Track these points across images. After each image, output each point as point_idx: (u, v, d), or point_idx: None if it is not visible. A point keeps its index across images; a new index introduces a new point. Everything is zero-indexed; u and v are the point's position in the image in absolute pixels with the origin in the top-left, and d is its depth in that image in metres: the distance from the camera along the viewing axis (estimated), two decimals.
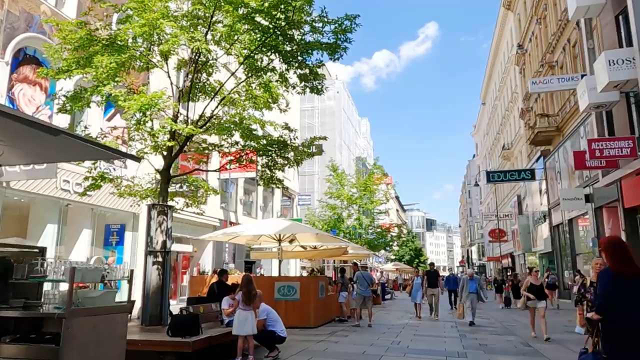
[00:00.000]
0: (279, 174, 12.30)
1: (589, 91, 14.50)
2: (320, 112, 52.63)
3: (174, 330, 7.22)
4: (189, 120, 10.84)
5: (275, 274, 25.45)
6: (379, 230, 36.19)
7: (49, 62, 10.96)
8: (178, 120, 10.44)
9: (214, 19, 10.12)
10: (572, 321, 14.22)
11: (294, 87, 11.25)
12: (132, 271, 5.51)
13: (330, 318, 14.29)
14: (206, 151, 12.91)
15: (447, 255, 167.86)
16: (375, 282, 21.53)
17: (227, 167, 11.91)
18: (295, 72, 10.79)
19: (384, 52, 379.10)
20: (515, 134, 38.61)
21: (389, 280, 39.84)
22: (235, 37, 10.02)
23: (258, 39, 9.86)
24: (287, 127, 11.97)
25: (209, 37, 10.39)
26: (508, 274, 34.98)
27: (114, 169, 15.31)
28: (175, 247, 19.53)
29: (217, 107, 11.33)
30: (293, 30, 10.09)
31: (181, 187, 14.66)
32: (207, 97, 11.42)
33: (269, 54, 10.30)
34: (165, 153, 10.52)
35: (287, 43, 10.16)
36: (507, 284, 25.03)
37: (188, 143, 11.04)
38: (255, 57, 10.35)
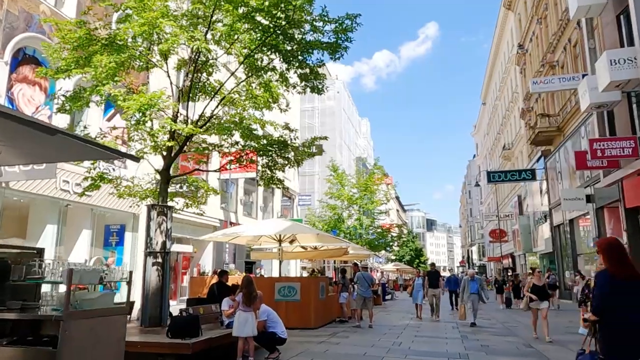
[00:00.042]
0: (279, 174, 12.24)
1: (590, 91, 14.45)
2: (321, 112, 52.62)
3: (174, 331, 7.16)
4: (189, 120, 10.79)
5: (275, 274, 25.41)
6: (379, 230, 36.15)
7: (48, 61, 10.90)
8: (178, 120, 10.39)
9: (213, 18, 10.07)
10: (573, 322, 14.18)
11: (294, 87, 11.19)
12: (131, 272, 5.45)
13: (331, 319, 14.23)
14: (206, 151, 12.85)
15: (448, 256, 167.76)
16: (375, 283, 21.46)
17: (227, 167, 11.86)
18: (295, 72, 10.74)
19: (384, 52, 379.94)
20: (515, 134, 38.56)
21: (389, 281, 39.75)
22: (236, 37, 9.97)
23: (258, 38, 9.80)
24: (287, 127, 11.91)
25: (209, 36, 10.34)
26: (509, 274, 34.94)
27: (114, 169, 15.27)
28: (175, 247, 19.48)
29: (217, 106, 11.27)
30: (293, 30, 10.04)
31: (181, 187, 14.62)
32: (207, 97, 11.37)
33: (269, 53, 10.25)
34: (164, 153, 10.47)
35: (288, 42, 10.10)
36: (507, 285, 24.99)
37: (188, 143, 10.98)
38: (256, 56, 10.30)
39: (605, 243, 4.31)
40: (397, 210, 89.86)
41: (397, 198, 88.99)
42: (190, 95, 10.78)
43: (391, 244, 39.37)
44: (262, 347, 7.98)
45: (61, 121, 13.69)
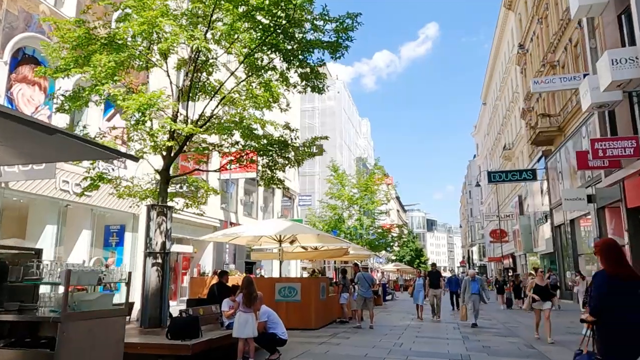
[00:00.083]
0: (279, 174, 12.19)
1: (591, 91, 14.40)
2: (321, 113, 52.58)
3: (173, 333, 7.11)
4: (189, 120, 10.74)
5: (275, 275, 25.36)
6: (379, 230, 36.12)
7: (47, 61, 10.86)
8: (177, 120, 10.34)
9: (213, 17, 10.02)
10: (575, 322, 14.07)
11: (294, 87, 11.14)
12: (129, 273, 5.40)
13: (332, 319, 14.18)
14: (206, 151, 12.80)
15: (448, 256, 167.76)
16: (376, 283, 21.41)
17: (228, 167, 11.81)
18: (296, 71, 10.68)
19: (385, 52, 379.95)
20: (516, 134, 38.52)
21: (389, 281, 39.69)
22: (236, 36, 9.92)
23: (258, 37, 9.75)
24: (287, 126, 11.86)
25: (209, 35, 10.29)
26: (509, 274, 34.86)
27: (113, 169, 15.22)
28: (176, 247, 19.45)
29: (217, 106, 11.22)
30: (294, 29, 9.98)
31: (181, 187, 14.57)
32: (207, 97, 11.32)
33: (269, 52, 10.20)
34: (164, 153, 10.42)
35: (288, 41, 10.05)
36: (508, 285, 24.93)
37: (188, 143, 10.93)
38: (256, 55, 10.25)
39: (603, 244, 4.35)
40: (398, 211, 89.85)
41: (398, 198, 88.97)
42: (190, 94, 10.73)
43: (391, 244, 39.35)
44: (262, 348, 7.93)
45: (61, 121, 13.65)
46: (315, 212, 36.48)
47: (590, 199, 18.00)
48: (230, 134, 11.39)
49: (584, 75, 17.71)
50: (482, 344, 10.42)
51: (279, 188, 13.07)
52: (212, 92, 11.23)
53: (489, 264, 66.10)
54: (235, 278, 13.56)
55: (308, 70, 10.66)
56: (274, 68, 10.54)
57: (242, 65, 10.60)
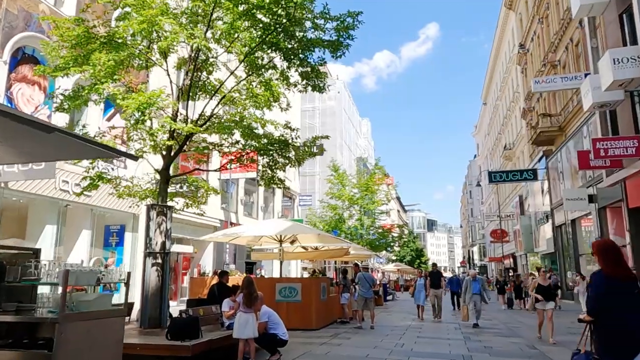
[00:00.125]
0: (280, 174, 12.14)
1: (592, 90, 14.34)
2: (321, 113, 52.53)
3: (173, 333, 7.06)
4: (189, 120, 10.69)
5: (276, 275, 25.30)
6: (380, 230, 36.07)
7: (47, 59, 10.81)
8: (177, 119, 10.29)
9: (213, 16, 9.97)
10: (576, 322, 14.04)
11: (295, 86, 11.08)
12: (129, 273, 5.35)
13: (332, 320, 14.12)
14: (206, 151, 12.75)
15: (448, 256, 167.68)
16: (377, 283, 21.36)
17: (228, 167, 11.75)
18: (296, 70, 10.63)
19: (385, 52, 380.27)
20: (516, 134, 38.46)
21: (390, 281, 39.63)
22: (236, 35, 9.87)
23: (258, 36, 9.70)
24: (288, 126, 11.80)
25: (209, 34, 10.24)
26: (510, 274, 34.82)
27: (113, 169, 15.17)
28: (176, 248, 19.41)
29: (217, 105, 11.17)
30: (294, 27, 9.92)
31: (181, 187, 14.52)
32: (207, 96, 11.27)
33: (269, 51, 10.15)
34: (164, 152, 10.37)
35: (288, 40, 10.00)
36: (509, 285, 24.87)
37: (188, 142, 10.88)
38: (256, 54, 10.19)
39: (601, 244, 4.38)
40: (398, 211, 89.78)
41: (398, 198, 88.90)
42: (190, 94, 10.68)
43: (392, 244, 39.30)
44: (263, 348, 7.87)
45: (60, 121, 13.61)
46: (316, 212, 36.43)
47: (591, 198, 17.94)
48: (231, 133, 11.34)
49: (585, 75, 17.64)
50: (483, 344, 10.36)
51: (279, 188, 13.02)
52: (212, 92, 11.18)
53: (490, 264, 66.02)
54: (236, 278, 13.51)
55: (309, 69, 10.60)
56: (274, 67, 10.48)
57: (242, 64, 10.55)
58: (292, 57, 10.16)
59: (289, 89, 11.34)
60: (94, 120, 14.83)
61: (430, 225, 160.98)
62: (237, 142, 11.80)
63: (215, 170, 12.89)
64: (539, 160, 29.61)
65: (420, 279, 16.94)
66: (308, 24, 10.17)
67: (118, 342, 5.00)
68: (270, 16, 9.42)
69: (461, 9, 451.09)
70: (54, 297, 4.70)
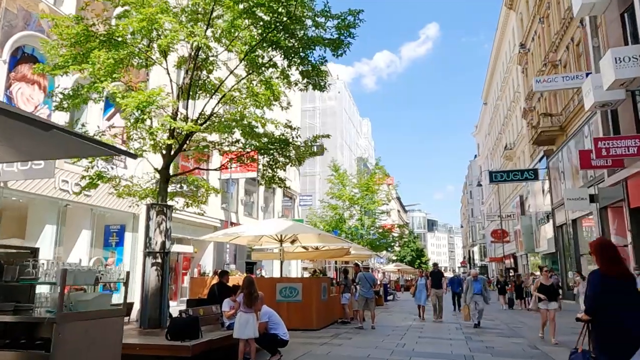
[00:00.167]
0: (280, 173, 12.09)
1: (594, 90, 14.28)
2: (322, 112, 52.50)
3: (173, 333, 7.02)
4: (189, 119, 10.64)
5: (276, 275, 25.26)
6: (380, 230, 36.03)
7: (46, 58, 10.76)
8: (177, 118, 10.24)
9: (213, 14, 9.93)
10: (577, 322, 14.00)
11: (295, 84, 11.04)
12: (128, 273, 5.30)
13: (333, 320, 14.08)
14: (206, 150, 12.71)
15: (449, 256, 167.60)
16: (377, 283, 21.30)
17: (228, 166, 11.71)
18: (297, 69, 10.58)
19: (385, 52, 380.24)
20: (517, 133, 38.41)
21: (390, 281, 39.59)
22: (236, 33, 9.81)
23: (259, 34, 9.66)
24: (288, 125, 11.76)
25: (209, 33, 10.19)
26: (511, 274, 34.75)
27: (112, 168, 15.13)
28: (176, 247, 19.36)
29: (217, 104, 11.13)
30: (295, 26, 9.86)
31: (181, 187, 14.46)
32: (207, 95, 11.22)
33: (269, 49, 10.09)
34: (164, 152, 10.32)
35: (289, 39, 9.95)
36: (510, 285, 24.81)
37: (188, 142, 10.83)
38: (256, 53, 10.14)
39: (597, 243, 4.43)
40: (398, 211, 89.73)
41: (398, 198, 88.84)
42: (190, 93, 10.63)
43: (392, 244, 39.27)
44: (263, 349, 7.83)
45: (60, 120, 13.55)
46: (316, 212, 36.39)
47: (592, 198, 17.89)
48: (231, 132, 11.29)
49: (587, 74, 17.59)
50: (485, 344, 10.32)
51: (279, 187, 12.97)
52: (213, 90, 11.14)
53: (490, 264, 65.93)
54: (236, 278, 13.46)
55: (309, 67, 10.55)
56: (274, 65, 10.43)
57: (242, 62, 10.50)
58: (292, 55, 10.10)
59: (290, 88, 11.30)
60: (93, 120, 14.78)
61: (431, 225, 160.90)
62: (238, 141, 11.75)
63: (216, 170, 12.84)
64: (540, 160, 29.55)
65: (421, 278, 16.89)
66: (309, 22, 10.11)
67: (117, 342, 4.95)
68: (271, 14, 9.38)
69: (461, 9, 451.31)
70: (52, 297, 4.66)
